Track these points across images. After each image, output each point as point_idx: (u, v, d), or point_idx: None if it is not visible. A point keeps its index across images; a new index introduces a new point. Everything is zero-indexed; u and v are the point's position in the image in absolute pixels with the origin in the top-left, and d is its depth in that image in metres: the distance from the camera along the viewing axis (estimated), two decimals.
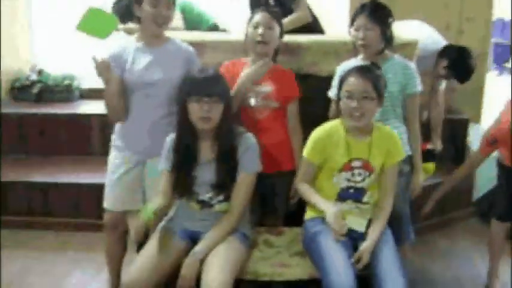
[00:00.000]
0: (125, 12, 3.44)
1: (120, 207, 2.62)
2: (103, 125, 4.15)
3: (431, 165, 3.12)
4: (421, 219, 3.47)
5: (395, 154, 2.34)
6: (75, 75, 4.71)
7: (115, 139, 2.62)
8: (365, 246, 2.21)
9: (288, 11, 3.23)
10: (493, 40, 9.65)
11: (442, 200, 3.78)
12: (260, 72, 2.54)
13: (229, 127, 2.25)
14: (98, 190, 3.65)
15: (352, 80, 2.22)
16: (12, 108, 4.42)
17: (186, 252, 2.20)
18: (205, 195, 2.28)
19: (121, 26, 3.31)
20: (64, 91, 4.60)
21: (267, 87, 2.57)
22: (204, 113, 2.15)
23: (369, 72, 2.25)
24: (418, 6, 4.18)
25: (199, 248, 2.16)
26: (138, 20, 2.51)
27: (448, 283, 3.17)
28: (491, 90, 4.62)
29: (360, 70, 2.25)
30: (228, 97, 2.25)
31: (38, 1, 5.04)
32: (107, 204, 2.65)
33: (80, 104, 4.61)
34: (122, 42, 2.59)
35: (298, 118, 2.64)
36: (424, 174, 3.00)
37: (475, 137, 4.11)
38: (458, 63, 3.48)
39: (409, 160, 2.64)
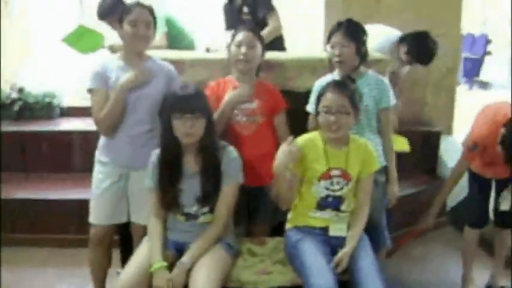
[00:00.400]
0: (108, 9, 3.57)
1: (106, 221, 2.68)
2: (84, 141, 4.23)
3: (401, 139, 3.24)
4: (396, 227, 3.61)
5: (371, 164, 2.45)
6: (55, 93, 4.77)
7: (98, 154, 2.68)
8: (344, 251, 2.31)
9: (259, 22, 3.38)
10: (463, 55, 9.99)
11: (417, 209, 3.94)
12: (243, 95, 2.63)
13: (212, 141, 2.34)
14: (79, 206, 3.77)
15: (329, 95, 2.33)
16: None
17: (173, 262, 2.27)
18: (191, 208, 2.36)
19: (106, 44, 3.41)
20: (44, 108, 4.65)
21: (252, 104, 2.66)
22: (188, 129, 2.24)
23: (345, 88, 2.36)
24: (392, 24, 4.36)
25: (185, 258, 2.24)
26: (119, 19, 2.59)
27: (429, 282, 3.31)
28: (462, 103, 4.79)
29: (336, 86, 2.36)
30: (209, 112, 2.35)
31: (17, 23, 5.08)
32: (92, 218, 2.70)
33: (61, 121, 4.66)
34: (105, 60, 2.67)
35: (287, 128, 2.73)
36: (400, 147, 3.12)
37: (446, 148, 4.27)
38: (418, 46, 3.54)
39: (384, 171, 2.77)
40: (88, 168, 4.09)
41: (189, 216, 2.38)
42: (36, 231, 3.83)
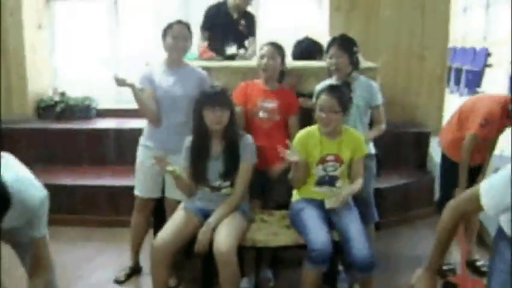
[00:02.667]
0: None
1: (147, 194, 3.33)
2: (116, 138, 4.88)
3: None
4: (389, 212, 4.20)
5: (360, 150, 3.06)
6: (92, 97, 5.44)
7: (143, 140, 3.33)
8: (345, 191, 2.96)
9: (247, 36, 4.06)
10: (465, 67, 10.53)
11: (408, 197, 4.53)
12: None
13: (233, 129, 2.97)
14: (113, 192, 4.41)
15: (323, 97, 2.94)
16: (38, 124, 5.13)
17: (201, 224, 2.89)
18: (216, 182, 2.98)
19: None
20: (83, 110, 5.32)
21: (273, 104, 3.27)
22: (216, 118, 2.88)
23: (337, 91, 2.97)
24: (387, 37, 4.98)
25: (211, 220, 2.86)
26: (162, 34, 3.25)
27: (409, 259, 3.83)
28: (450, 107, 5.34)
29: (329, 89, 2.98)
30: (232, 106, 2.97)
31: (60, 32, 5.77)
32: (136, 191, 3.37)
33: (97, 121, 5.33)
34: (152, 65, 3.34)
35: (297, 127, 3.27)
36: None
37: (435, 147, 4.83)
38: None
39: (374, 158, 3.37)
40: (120, 161, 4.80)
41: (214, 189, 3.00)
42: (77, 212, 4.43)
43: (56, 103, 5.31)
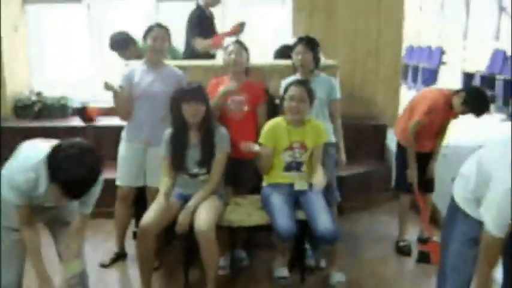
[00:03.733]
0: (120, 43, 4.50)
1: (129, 183, 3.63)
2: (94, 134, 5.13)
3: None
4: (350, 197, 4.59)
5: (321, 138, 3.43)
6: (68, 96, 5.68)
7: (124, 134, 3.63)
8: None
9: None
10: (421, 65, 11.08)
11: (367, 184, 4.93)
12: (231, 88, 3.53)
13: (209, 121, 3.29)
14: None
15: (293, 87, 3.32)
16: (16, 123, 5.35)
17: (181, 208, 3.21)
18: (193, 170, 3.30)
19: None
20: (60, 109, 5.56)
21: (241, 97, 3.59)
22: (193, 111, 3.20)
23: (305, 84, 3.36)
24: (346, 38, 5.38)
25: (190, 203, 3.19)
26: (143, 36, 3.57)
27: (369, 239, 4.25)
28: (404, 101, 5.77)
29: (298, 82, 3.38)
30: (207, 101, 3.29)
31: (34, 36, 5.98)
32: (119, 181, 3.66)
33: (73, 119, 5.57)
34: (133, 65, 3.64)
35: (265, 116, 3.60)
36: None
37: (391, 138, 5.25)
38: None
39: (335, 146, 3.75)
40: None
41: (192, 176, 3.32)
42: None
43: (34, 103, 5.53)
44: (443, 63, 11.33)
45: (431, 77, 10.96)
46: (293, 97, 3.30)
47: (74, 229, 2.58)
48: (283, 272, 3.44)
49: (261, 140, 3.41)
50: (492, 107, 8.45)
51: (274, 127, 3.37)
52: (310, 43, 3.67)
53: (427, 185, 4.05)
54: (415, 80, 11.44)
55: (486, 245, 2.13)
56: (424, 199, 4.01)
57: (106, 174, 4.32)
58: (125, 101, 3.52)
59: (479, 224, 2.23)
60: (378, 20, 5.38)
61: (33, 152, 2.37)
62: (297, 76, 3.69)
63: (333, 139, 3.72)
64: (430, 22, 13.86)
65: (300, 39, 3.73)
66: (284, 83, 3.68)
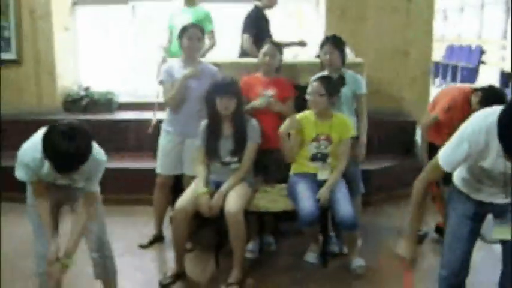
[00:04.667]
0: None
1: (167, 171, 3.95)
2: (137, 128, 5.47)
3: None
4: (378, 189, 4.79)
5: (347, 132, 3.65)
6: (114, 91, 6.06)
7: (165, 126, 3.94)
8: (323, 187, 3.53)
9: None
10: (460, 64, 11.06)
11: (395, 177, 5.10)
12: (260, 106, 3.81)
13: (241, 113, 3.57)
14: (133, 174, 4.97)
15: (313, 83, 3.57)
16: (65, 116, 5.75)
17: (213, 193, 3.49)
18: (226, 158, 3.59)
19: None
20: (106, 103, 5.94)
21: (271, 91, 3.84)
22: (225, 104, 3.49)
23: (323, 78, 3.59)
24: (376, 36, 5.57)
25: (223, 188, 3.48)
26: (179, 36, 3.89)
27: (391, 231, 4.34)
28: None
29: (318, 77, 3.61)
30: (239, 94, 3.57)
31: (84, 35, 6.41)
32: (158, 169, 3.98)
33: (118, 113, 5.95)
34: (172, 62, 3.96)
35: (293, 110, 3.82)
36: None
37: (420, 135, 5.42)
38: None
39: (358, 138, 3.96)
40: (139, 148, 5.37)
41: (224, 164, 3.61)
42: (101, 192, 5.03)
43: (82, 97, 5.93)
44: (483, 62, 11.27)
45: (470, 76, 10.92)
46: (311, 92, 3.55)
47: (80, 207, 2.77)
48: (313, 258, 3.71)
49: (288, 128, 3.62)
50: None
51: (302, 118, 3.63)
52: (337, 42, 3.90)
53: (447, 177, 4.19)
54: (454, 79, 11.43)
55: (430, 165, 2.38)
56: (439, 194, 4.13)
57: (146, 165, 4.78)
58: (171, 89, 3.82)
59: (473, 202, 2.46)
60: (408, 20, 5.55)
61: (37, 137, 2.58)
62: (324, 73, 3.92)
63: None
64: (471, 22, 13.77)
65: (327, 39, 3.96)
66: (311, 80, 3.91)
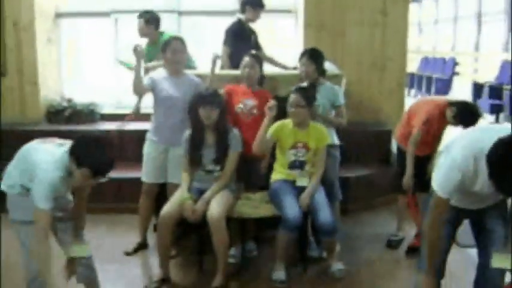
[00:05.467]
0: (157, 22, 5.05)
1: (152, 179, 4.06)
2: (119, 138, 5.57)
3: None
4: (355, 199, 4.95)
5: (323, 140, 3.81)
6: (96, 102, 6.15)
7: (149, 135, 4.05)
8: (304, 194, 3.68)
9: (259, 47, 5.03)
10: (434, 76, 11.37)
11: (371, 185, 5.27)
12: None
13: (223, 123, 3.71)
14: (117, 183, 5.06)
15: (292, 95, 3.72)
16: (49, 127, 5.83)
17: (197, 200, 3.61)
18: (209, 166, 3.72)
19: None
20: (88, 114, 6.03)
21: (252, 102, 3.99)
22: (208, 114, 3.62)
23: (302, 90, 3.74)
24: (353, 50, 5.77)
25: (206, 195, 3.60)
26: (162, 49, 4.03)
27: (370, 238, 4.56)
28: None
29: (296, 89, 3.76)
30: (222, 105, 3.71)
31: (66, 48, 6.50)
32: (143, 178, 4.10)
33: (101, 123, 6.04)
34: (158, 72, 4.08)
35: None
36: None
37: (396, 144, 5.61)
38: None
39: (338, 148, 4.13)
40: (121, 158, 5.45)
41: (207, 172, 3.73)
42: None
43: (65, 108, 6.00)
44: (456, 73, 11.61)
45: (444, 87, 11.26)
46: (291, 103, 3.70)
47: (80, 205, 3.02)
48: (280, 275, 3.70)
49: (268, 133, 3.76)
50: (500, 116, 8.77)
51: (281, 125, 3.78)
52: (313, 55, 4.07)
53: (424, 185, 4.37)
54: (428, 90, 11.75)
55: (433, 202, 2.54)
56: (414, 200, 4.30)
57: (130, 174, 4.87)
58: (140, 77, 3.94)
59: (453, 208, 2.62)
60: (383, 35, 5.77)
61: (46, 156, 2.71)
62: (303, 84, 4.08)
63: (336, 141, 4.10)
64: (445, 35, 14.16)
65: (305, 51, 4.14)
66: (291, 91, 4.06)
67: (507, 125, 2.62)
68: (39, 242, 2.67)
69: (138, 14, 5.08)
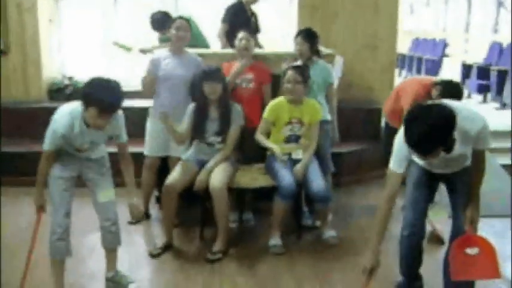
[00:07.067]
0: (159, 22, 5.12)
1: (154, 153, 4.30)
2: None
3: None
4: (347, 172, 5.21)
5: (316, 115, 4.04)
6: None
7: (152, 111, 4.27)
8: (298, 165, 3.92)
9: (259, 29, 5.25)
10: (425, 56, 11.59)
11: (362, 160, 5.52)
12: (241, 68, 4.18)
13: (226, 97, 3.92)
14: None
15: (289, 72, 3.93)
16: (51, 104, 6.01)
17: (199, 171, 3.85)
18: (211, 139, 3.94)
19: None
20: None
21: (250, 75, 4.22)
22: (212, 89, 3.83)
23: (299, 68, 3.96)
24: (346, 31, 5.99)
25: (208, 165, 3.84)
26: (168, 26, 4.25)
27: (361, 209, 4.83)
28: None
29: (293, 67, 3.97)
30: (224, 80, 3.92)
31: (68, 24, 6.68)
32: (146, 151, 4.33)
33: None
34: (160, 51, 4.29)
35: (270, 95, 4.24)
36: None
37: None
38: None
39: (330, 123, 4.36)
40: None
41: (210, 144, 3.96)
42: None
43: (66, 86, 6.20)
44: (446, 55, 11.81)
45: (434, 67, 11.44)
46: (288, 80, 3.92)
47: (122, 158, 3.30)
48: (276, 241, 3.96)
49: (265, 114, 3.99)
50: (488, 95, 9.02)
51: (276, 104, 4.00)
52: (307, 35, 4.28)
53: None
54: (419, 70, 11.95)
55: (387, 175, 2.82)
56: None
57: (132, 148, 5.06)
58: (151, 82, 4.18)
59: (423, 170, 2.99)
60: (375, 16, 6.01)
61: (65, 106, 3.03)
62: (298, 62, 4.29)
63: (328, 117, 4.33)
64: (436, 16, 14.35)
65: (300, 31, 4.36)
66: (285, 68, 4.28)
67: (462, 103, 2.95)
68: (38, 173, 3.05)
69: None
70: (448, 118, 2.41)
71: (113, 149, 3.33)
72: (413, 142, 2.44)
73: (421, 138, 2.39)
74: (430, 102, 2.62)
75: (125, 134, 3.23)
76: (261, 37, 5.65)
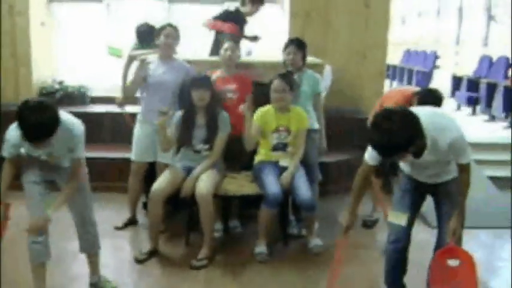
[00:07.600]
0: (144, 34, 5.10)
1: (141, 159, 4.30)
2: (109, 120, 5.78)
3: None
4: (335, 181, 5.23)
5: (303, 124, 4.05)
6: (87, 85, 6.35)
7: (139, 117, 4.28)
8: (285, 173, 3.94)
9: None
10: (416, 68, 11.65)
11: (349, 171, 5.51)
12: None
13: (214, 105, 3.94)
14: (107, 163, 5.26)
15: (276, 81, 3.95)
16: None
17: (185, 178, 3.85)
18: (198, 146, 3.95)
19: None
20: (79, 97, 6.23)
21: (232, 86, 4.23)
22: (200, 96, 3.85)
23: (285, 77, 3.98)
24: (338, 39, 6.03)
25: (195, 172, 3.85)
26: (156, 34, 4.24)
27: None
28: None
29: (280, 75, 3.98)
30: (212, 88, 3.94)
31: (59, 31, 6.68)
32: (133, 157, 4.33)
33: (91, 106, 6.24)
34: (150, 58, 4.30)
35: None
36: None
37: None
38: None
39: (318, 132, 4.38)
40: (114, 139, 5.66)
41: (196, 151, 3.97)
42: None
43: (56, 90, 6.20)
44: (437, 67, 11.89)
45: (424, 79, 11.50)
46: (275, 89, 3.95)
47: (70, 177, 3.10)
48: (262, 249, 3.96)
49: (254, 123, 3.99)
50: (477, 108, 9.09)
51: (264, 112, 4.02)
52: (300, 44, 4.31)
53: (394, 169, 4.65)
54: (410, 82, 12.01)
55: (361, 166, 3.05)
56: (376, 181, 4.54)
57: (120, 154, 5.08)
58: (140, 81, 4.22)
59: (414, 180, 3.03)
60: (366, 26, 6.05)
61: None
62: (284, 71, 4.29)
63: (316, 126, 4.35)
64: (428, 28, 14.47)
65: (291, 41, 4.37)
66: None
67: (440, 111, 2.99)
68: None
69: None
70: (409, 124, 2.50)
71: (95, 154, 3.29)
72: (373, 145, 2.61)
73: (380, 141, 2.52)
74: (397, 108, 2.73)
75: (81, 150, 3.04)
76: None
